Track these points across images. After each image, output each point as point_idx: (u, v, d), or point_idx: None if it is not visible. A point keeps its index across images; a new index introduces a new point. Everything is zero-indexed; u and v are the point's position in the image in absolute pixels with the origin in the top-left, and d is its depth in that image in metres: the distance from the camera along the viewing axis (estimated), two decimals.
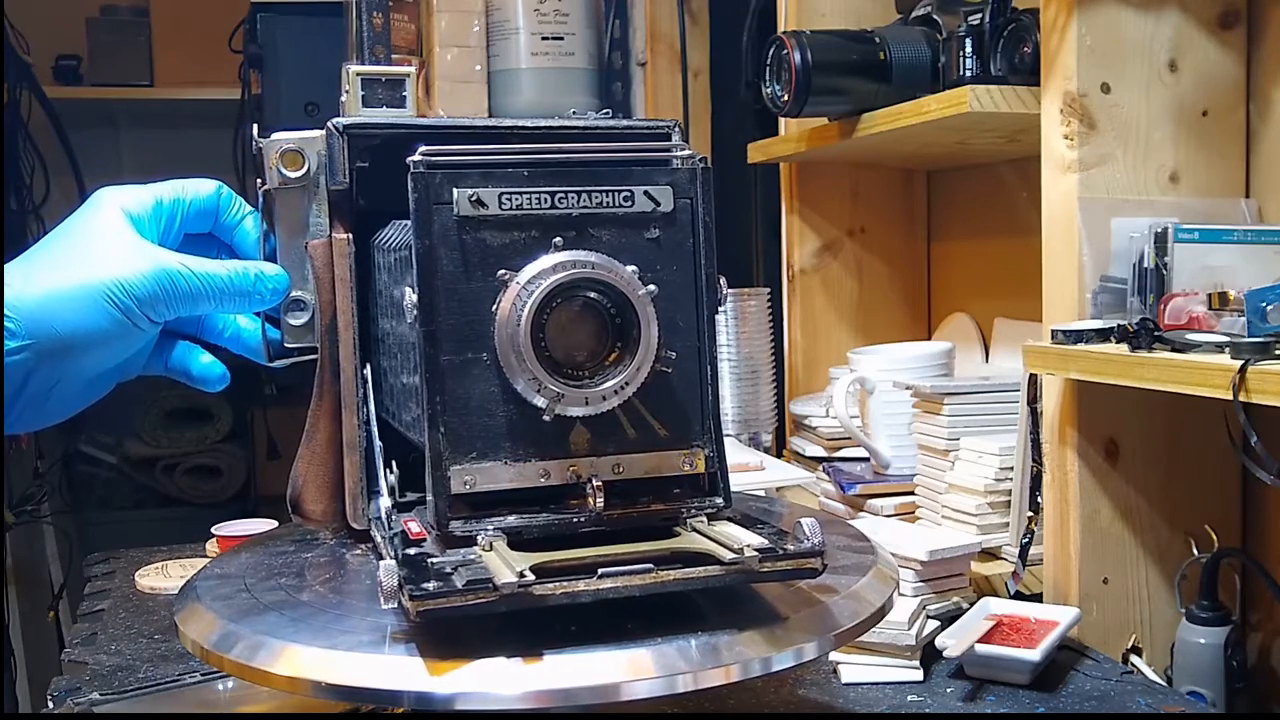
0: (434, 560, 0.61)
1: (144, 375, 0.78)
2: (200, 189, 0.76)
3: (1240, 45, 1.11)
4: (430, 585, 0.56)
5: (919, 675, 0.98)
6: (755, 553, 0.61)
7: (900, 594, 0.98)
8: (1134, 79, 1.08)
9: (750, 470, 1.39)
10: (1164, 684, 1.03)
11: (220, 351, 0.78)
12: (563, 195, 0.64)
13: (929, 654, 1.00)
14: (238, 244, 0.77)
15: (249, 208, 0.77)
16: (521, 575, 0.57)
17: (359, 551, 0.76)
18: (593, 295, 0.62)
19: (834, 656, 0.99)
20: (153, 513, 3.00)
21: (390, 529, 0.69)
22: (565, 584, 0.58)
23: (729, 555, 0.61)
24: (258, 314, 0.76)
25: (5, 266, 0.67)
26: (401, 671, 0.57)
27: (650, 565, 0.59)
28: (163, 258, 0.70)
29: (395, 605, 0.57)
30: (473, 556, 0.61)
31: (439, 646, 0.58)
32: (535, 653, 0.57)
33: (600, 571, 0.58)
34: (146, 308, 0.69)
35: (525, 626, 0.58)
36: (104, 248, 0.69)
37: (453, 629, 0.58)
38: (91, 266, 0.68)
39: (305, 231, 0.75)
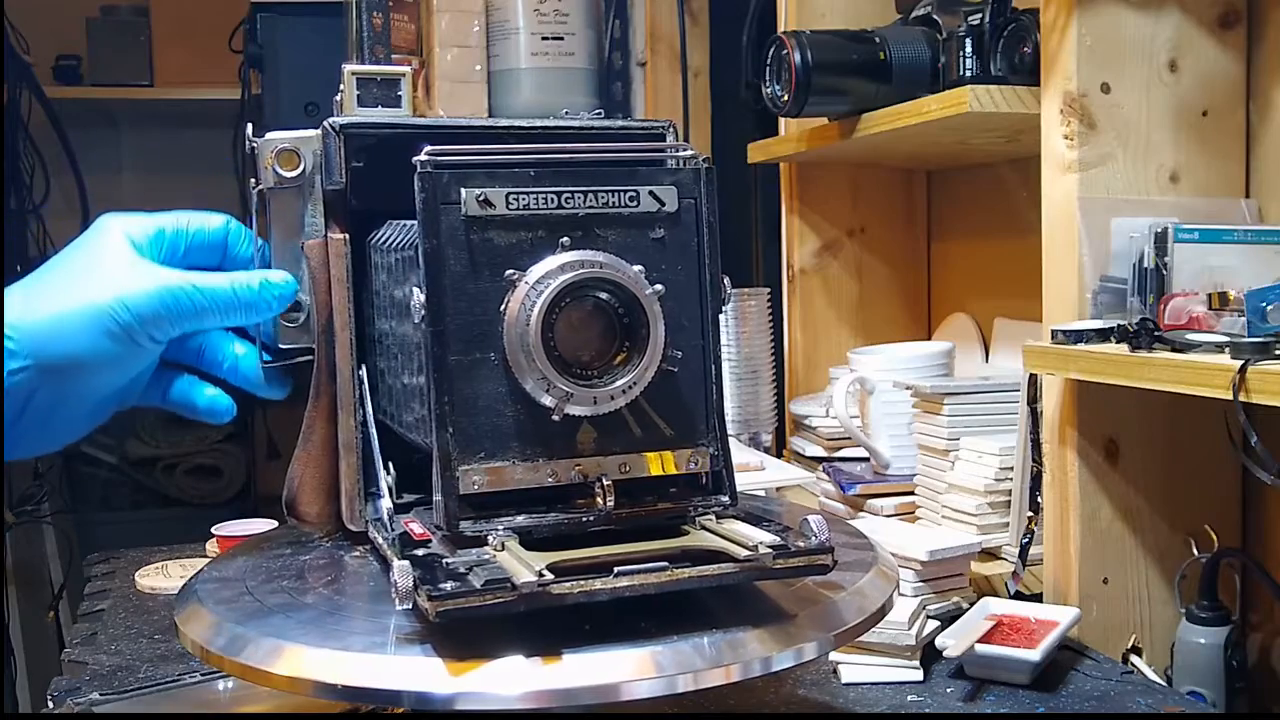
0: (448, 561, 0.61)
1: (141, 406, 0.76)
2: (207, 222, 0.74)
3: (1240, 45, 1.11)
4: (448, 585, 0.56)
5: (919, 675, 0.98)
6: (769, 550, 0.61)
7: (900, 594, 0.98)
8: (1134, 79, 1.08)
9: (750, 470, 1.39)
10: (1164, 684, 1.03)
11: (219, 384, 0.77)
12: (569, 195, 0.64)
13: (929, 654, 1.00)
14: None
15: (261, 241, 0.76)
16: (541, 575, 0.57)
17: (357, 554, 0.76)
18: (603, 296, 0.62)
19: (834, 656, 0.99)
20: (153, 513, 3.00)
21: (391, 530, 0.69)
22: (583, 583, 0.58)
23: (743, 553, 0.61)
24: (252, 340, 0.75)
25: (6, 290, 0.67)
26: (417, 672, 0.57)
27: (666, 563, 0.59)
28: (165, 275, 0.69)
29: (410, 606, 0.57)
30: (487, 556, 0.61)
31: (452, 647, 0.58)
32: (554, 652, 0.57)
33: (616, 570, 0.58)
34: (150, 326, 0.68)
35: (526, 626, 0.58)
36: (106, 269, 0.69)
37: (463, 630, 0.58)
38: (94, 287, 0.67)
39: (300, 232, 0.75)
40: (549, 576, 0.57)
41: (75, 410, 0.69)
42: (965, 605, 1.08)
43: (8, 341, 0.64)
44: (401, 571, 0.57)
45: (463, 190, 0.62)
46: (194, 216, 0.74)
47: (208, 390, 0.76)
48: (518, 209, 0.63)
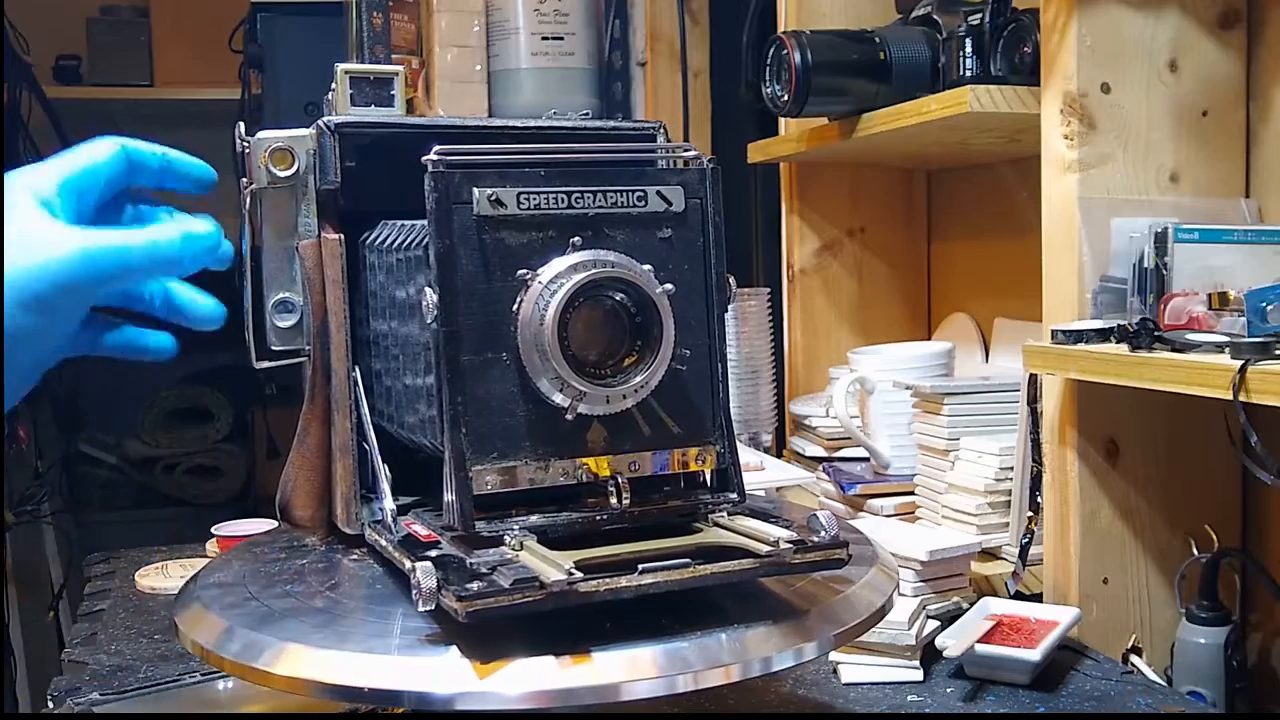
0: (470, 561, 0.61)
1: (74, 356, 0.68)
2: (98, 156, 0.66)
3: (1240, 45, 1.11)
4: (474, 585, 0.56)
5: (919, 675, 0.98)
6: (789, 545, 0.61)
7: (900, 594, 0.98)
8: (1134, 79, 1.08)
9: (750, 470, 1.38)
10: (1164, 684, 1.03)
11: (149, 320, 0.70)
12: (579, 195, 0.64)
13: (929, 654, 1.00)
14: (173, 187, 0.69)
15: (160, 150, 0.69)
16: (570, 573, 0.57)
17: (355, 556, 0.75)
18: (618, 296, 0.63)
19: (834, 656, 0.99)
20: (153, 513, 2.99)
21: (395, 532, 0.69)
22: (609, 581, 0.58)
23: (764, 548, 0.61)
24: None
25: None
26: (417, 672, 0.57)
27: (688, 560, 0.59)
28: (80, 237, 0.62)
29: (432, 607, 0.57)
30: (509, 556, 0.61)
31: (450, 648, 0.58)
32: (554, 652, 0.57)
33: (641, 568, 0.58)
34: (69, 295, 0.61)
35: (525, 627, 0.58)
36: (15, 238, 0.62)
37: (462, 630, 0.58)
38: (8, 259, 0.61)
39: (293, 232, 0.75)
40: (578, 575, 0.57)
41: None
42: (965, 605, 1.08)
43: None
44: (425, 572, 0.57)
45: (475, 190, 0.62)
46: (87, 155, 0.66)
47: (148, 332, 0.69)
48: (529, 209, 0.63)
